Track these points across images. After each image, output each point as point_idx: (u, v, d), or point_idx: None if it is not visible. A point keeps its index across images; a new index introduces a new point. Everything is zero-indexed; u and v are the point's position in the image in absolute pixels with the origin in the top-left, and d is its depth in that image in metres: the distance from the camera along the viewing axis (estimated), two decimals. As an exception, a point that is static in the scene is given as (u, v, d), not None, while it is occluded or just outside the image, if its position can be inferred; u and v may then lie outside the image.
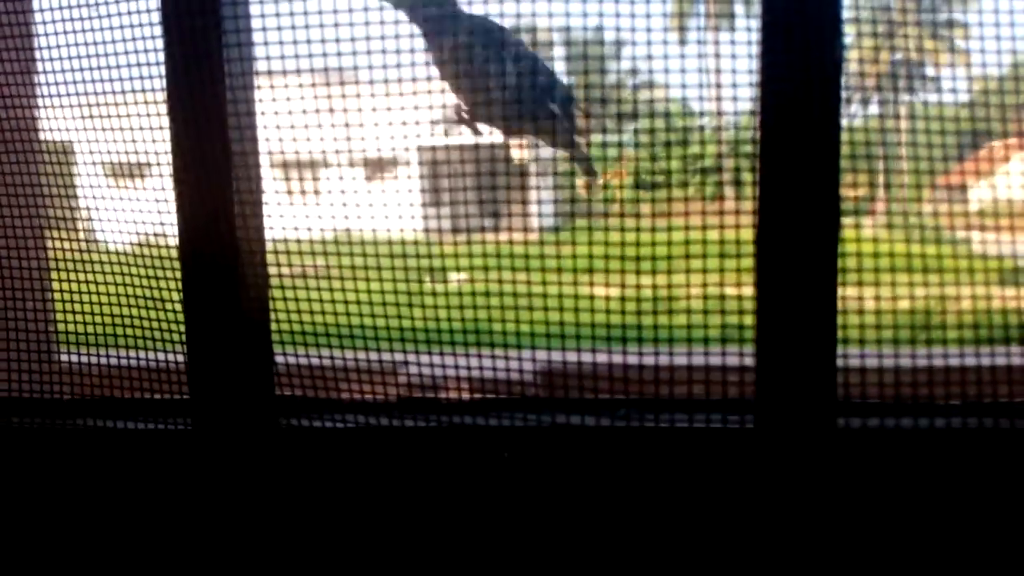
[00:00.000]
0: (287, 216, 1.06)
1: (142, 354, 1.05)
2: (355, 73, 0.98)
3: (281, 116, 0.99)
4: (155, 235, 1.03)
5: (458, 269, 1.00)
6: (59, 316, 1.11)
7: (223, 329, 0.98)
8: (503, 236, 1.01)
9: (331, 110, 0.96)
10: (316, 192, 1.05)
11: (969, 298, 0.91)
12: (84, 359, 1.07)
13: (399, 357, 1.00)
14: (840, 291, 0.87)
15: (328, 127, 0.96)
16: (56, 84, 1.02)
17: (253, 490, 1.02)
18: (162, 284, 1.03)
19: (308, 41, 0.97)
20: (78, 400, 1.08)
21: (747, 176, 1.05)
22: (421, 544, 1.00)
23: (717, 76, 1.02)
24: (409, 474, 0.99)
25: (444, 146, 0.99)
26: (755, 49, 0.90)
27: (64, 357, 1.13)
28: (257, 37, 0.95)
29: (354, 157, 1.00)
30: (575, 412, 0.95)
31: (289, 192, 1.09)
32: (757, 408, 0.90)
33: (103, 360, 1.06)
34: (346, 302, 1.00)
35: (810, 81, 0.84)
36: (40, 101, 1.05)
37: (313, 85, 1.00)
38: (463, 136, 0.99)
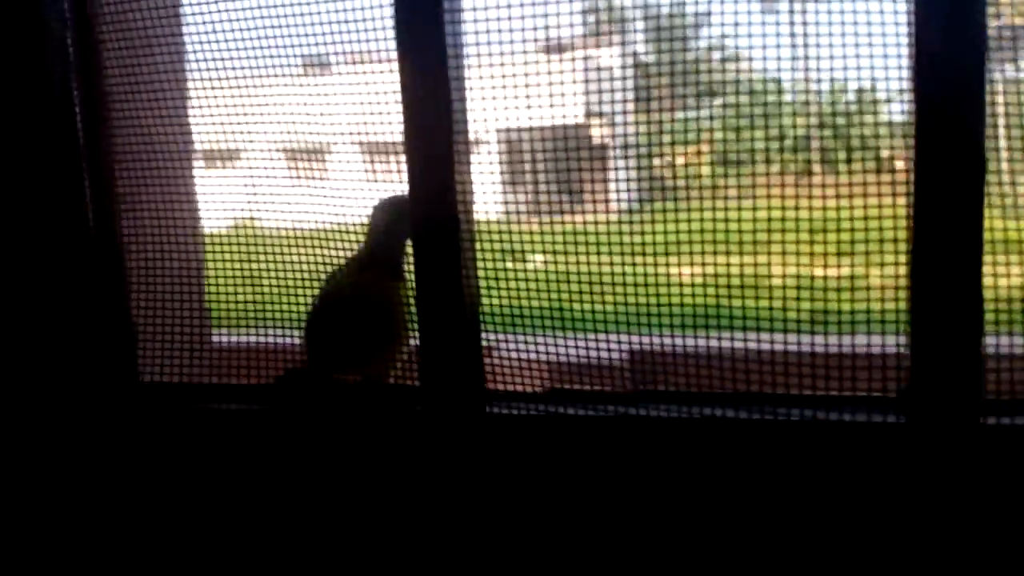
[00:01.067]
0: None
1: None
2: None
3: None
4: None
5: (537, 251, 1.00)
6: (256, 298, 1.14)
7: (449, 313, 0.98)
8: (581, 217, 1.00)
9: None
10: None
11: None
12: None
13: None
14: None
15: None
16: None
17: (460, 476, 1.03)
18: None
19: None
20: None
21: (839, 153, 1.00)
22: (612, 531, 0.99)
23: (804, 48, 0.98)
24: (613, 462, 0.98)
25: (523, 127, 0.98)
26: (845, 18, 0.86)
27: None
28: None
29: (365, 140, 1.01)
30: (720, 405, 0.94)
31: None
32: (908, 403, 0.86)
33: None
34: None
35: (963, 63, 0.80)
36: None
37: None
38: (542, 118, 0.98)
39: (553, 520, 1.00)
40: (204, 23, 1.05)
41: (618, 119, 0.95)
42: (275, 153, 1.08)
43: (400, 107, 0.96)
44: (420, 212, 0.97)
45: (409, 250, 1.04)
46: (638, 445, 0.96)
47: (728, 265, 0.91)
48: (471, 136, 0.98)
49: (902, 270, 0.85)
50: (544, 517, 1.00)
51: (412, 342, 1.04)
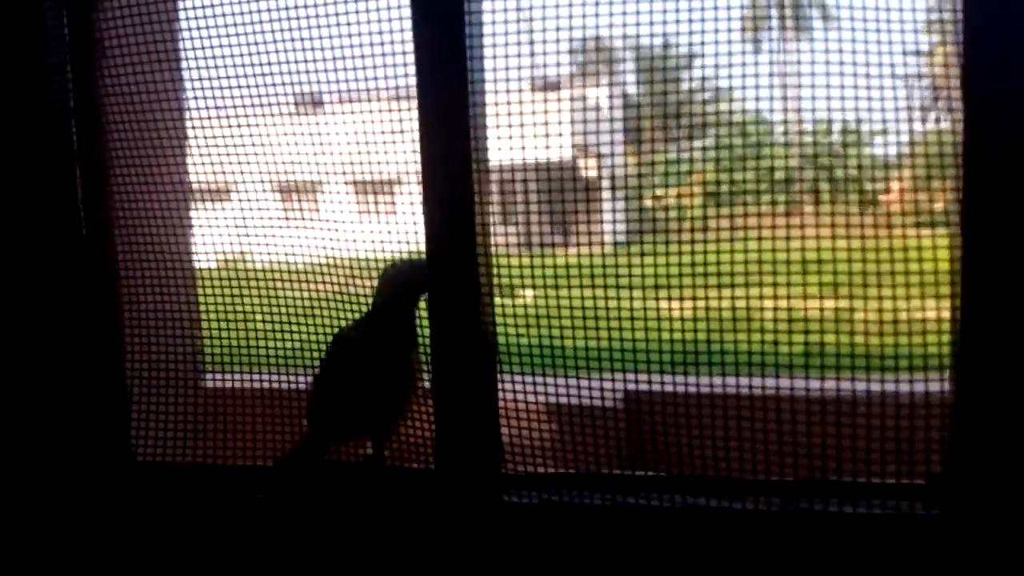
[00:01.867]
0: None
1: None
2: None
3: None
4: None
5: (528, 286, 1.00)
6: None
7: (463, 356, 0.95)
8: (574, 250, 1.00)
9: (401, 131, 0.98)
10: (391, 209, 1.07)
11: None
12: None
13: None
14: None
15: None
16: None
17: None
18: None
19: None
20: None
21: (824, 187, 1.01)
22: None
23: (791, 86, 1.00)
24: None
25: (515, 164, 0.99)
26: (838, 57, 0.88)
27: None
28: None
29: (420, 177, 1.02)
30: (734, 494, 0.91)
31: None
32: (945, 492, 0.80)
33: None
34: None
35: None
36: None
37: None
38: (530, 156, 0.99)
39: None
40: (202, 58, 1.06)
41: (608, 156, 0.96)
42: (267, 189, 1.09)
43: (415, 141, 0.96)
44: (437, 259, 0.95)
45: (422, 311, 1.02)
46: (641, 535, 0.93)
47: (720, 299, 0.91)
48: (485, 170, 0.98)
49: (896, 304, 0.85)
50: None
51: (420, 407, 1.02)
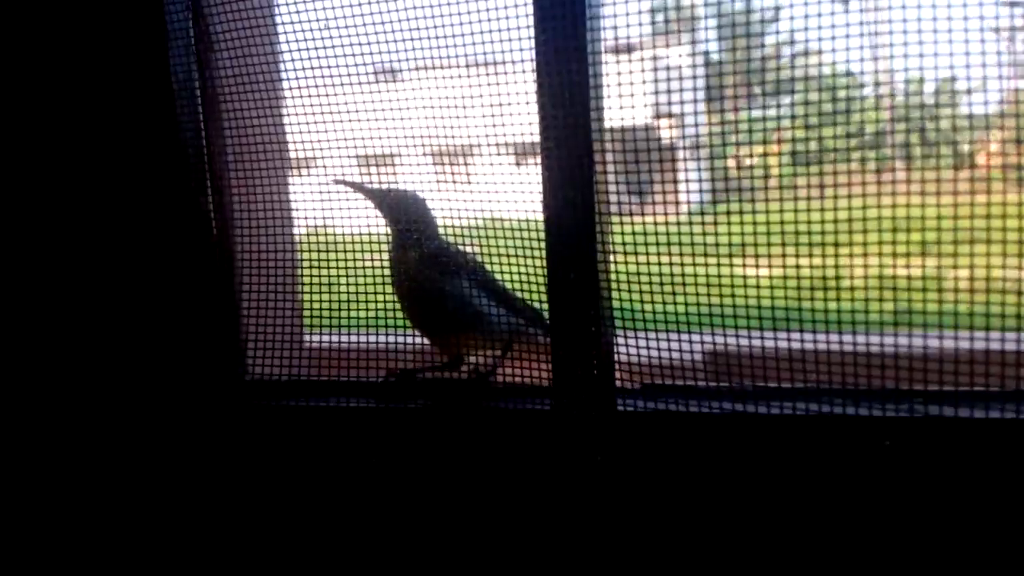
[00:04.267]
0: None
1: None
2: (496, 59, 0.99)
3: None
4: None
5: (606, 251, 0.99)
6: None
7: (580, 307, 0.97)
8: (651, 217, 0.99)
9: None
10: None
11: None
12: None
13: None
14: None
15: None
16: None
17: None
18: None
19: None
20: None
21: (917, 148, 0.97)
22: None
23: (879, 40, 0.96)
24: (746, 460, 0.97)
25: (593, 129, 0.98)
26: (931, 12, 0.84)
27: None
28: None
29: (502, 142, 1.02)
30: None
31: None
32: None
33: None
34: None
35: None
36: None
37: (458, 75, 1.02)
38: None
39: (683, 517, 1.00)
40: (299, 30, 1.07)
41: (688, 119, 0.94)
42: (353, 159, 1.10)
43: (534, 106, 0.97)
44: (556, 209, 0.97)
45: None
46: (759, 443, 0.94)
47: (799, 266, 0.89)
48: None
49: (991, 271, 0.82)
50: (676, 514, 1.00)
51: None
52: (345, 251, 1.12)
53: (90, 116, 1.17)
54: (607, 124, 0.96)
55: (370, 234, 1.15)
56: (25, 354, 1.25)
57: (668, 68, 0.93)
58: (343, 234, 1.14)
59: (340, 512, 1.15)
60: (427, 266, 1.08)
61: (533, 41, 0.95)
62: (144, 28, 1.13)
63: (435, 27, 0.99)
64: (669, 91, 0.93)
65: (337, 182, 1.11)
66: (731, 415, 0.94)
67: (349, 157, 1.10)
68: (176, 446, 1.20)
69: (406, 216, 1.10)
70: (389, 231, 1.13)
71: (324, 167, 1.11)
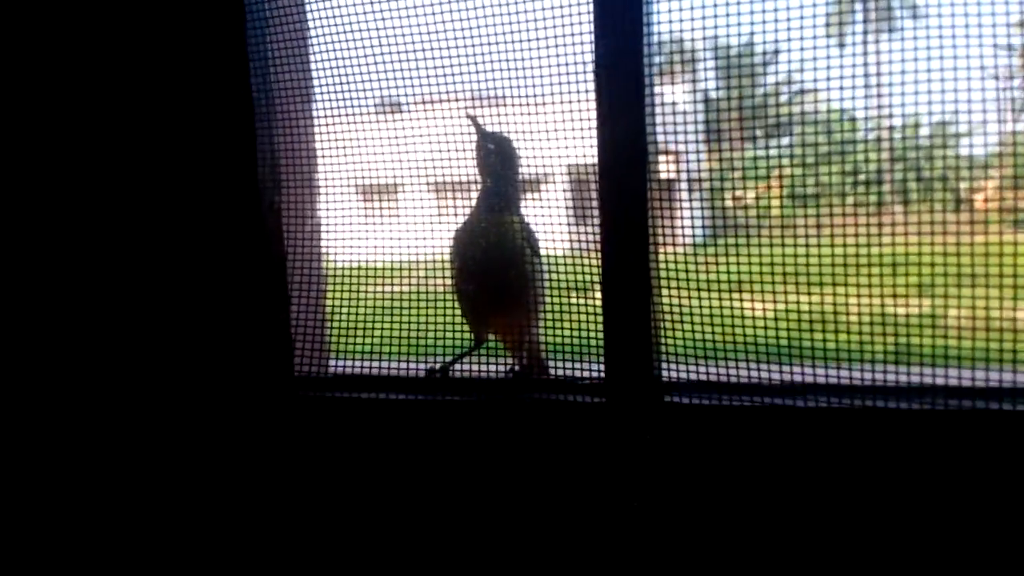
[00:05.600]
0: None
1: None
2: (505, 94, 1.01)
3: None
4: None
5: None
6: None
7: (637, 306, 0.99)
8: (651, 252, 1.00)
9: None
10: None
11: None
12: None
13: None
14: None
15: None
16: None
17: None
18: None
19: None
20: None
21: (913, 185, 0.98)
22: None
23: (877, 81, 0.97)
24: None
25: (591, 163, 0.99)
26: (926, 53, 0.85)
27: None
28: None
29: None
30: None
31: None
32: None
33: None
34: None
35: None
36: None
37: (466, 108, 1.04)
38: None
39: (726, 506, 1.01)
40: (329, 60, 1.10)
41: (688, 156, 0.96)
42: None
43: (594, 136, 0.99)
44: (612, 209, 0.99)
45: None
46: (805, 436, 0.96)
47: (798, 302, 0.90)
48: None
49: (988, 304, 0.83)
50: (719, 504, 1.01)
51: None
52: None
53: (172, 129, 1.21)
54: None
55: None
56: (103, 350, 1.29)
57: (670, 105, 0.95)
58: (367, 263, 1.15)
59: (388, 498, 1.16)
60: (520, 238, 1.06)
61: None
62: (228, 49, 1.17)
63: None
64: (666, 129, 0.95)
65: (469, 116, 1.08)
66: (769, 407, 0.96)
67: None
68: (233, 435, 1.23)
69: (505, 169, 1.07)
70: (480, 186, 1.10)
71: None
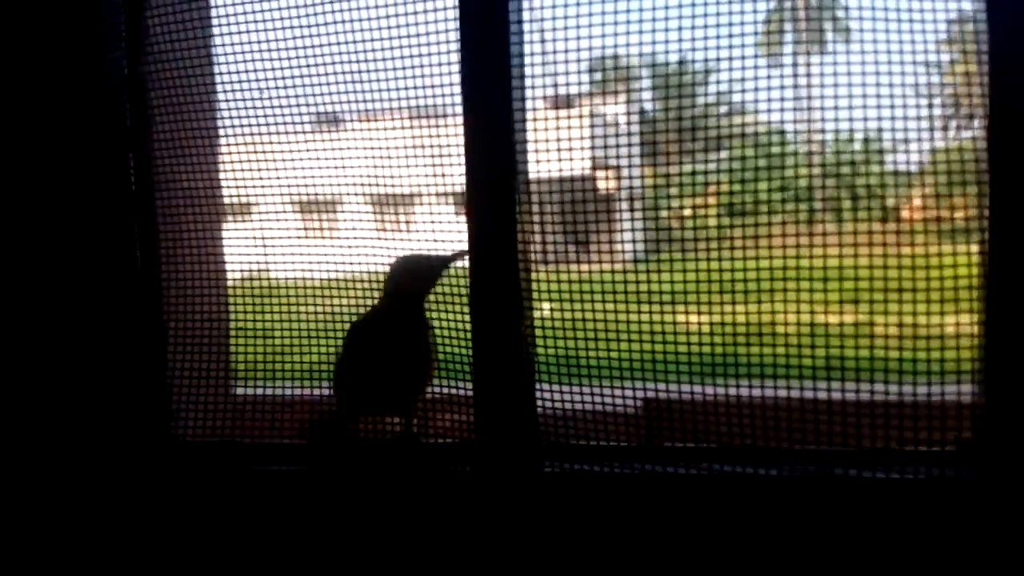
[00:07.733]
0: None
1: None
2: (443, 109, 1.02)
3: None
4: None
5: (544, 300, 1.00)
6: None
7: (506, 360, 0.97)
8: (588, 267, 1.00)
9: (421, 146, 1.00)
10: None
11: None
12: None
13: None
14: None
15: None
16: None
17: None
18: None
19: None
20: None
21: (845, 201, 1.01)
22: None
23: (809, 99, 1.00)
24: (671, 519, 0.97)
25: (531, 179, 1.00)
26: (858, 68, 0.88)
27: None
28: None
29: (442, 190, 1.03)
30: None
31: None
32: (976, 456, 0.84)
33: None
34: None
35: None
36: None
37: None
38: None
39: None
40: (236, 79, 1.09)
41: (625, 171, 0.97)
42: (287, 206, 1.11)
43: (461, 155, 0.98)
44: (481, 260, 0.98)
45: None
46: (674, 503, 0.95)
47: (735, 314, 0.91)
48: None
49: (916, 319, 0.84)
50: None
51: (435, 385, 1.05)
52: (279, 299, 1.11)
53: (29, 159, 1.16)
54: (544, 175, 0.98)
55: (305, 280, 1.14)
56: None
57: (606, 122, 0.96)
58: (277, 279, 1.13)
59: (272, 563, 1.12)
60: (427, 326, 1.06)
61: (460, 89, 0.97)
62: (89, 71, 1.13)
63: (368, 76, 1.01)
64: (606, 145, 0.96)
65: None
66: (656, 475, 0.94)
67: (285, 204, 1.11)
68: (102, 503, 1.17)
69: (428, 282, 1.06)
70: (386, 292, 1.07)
71: (259, 213, 1.12)
